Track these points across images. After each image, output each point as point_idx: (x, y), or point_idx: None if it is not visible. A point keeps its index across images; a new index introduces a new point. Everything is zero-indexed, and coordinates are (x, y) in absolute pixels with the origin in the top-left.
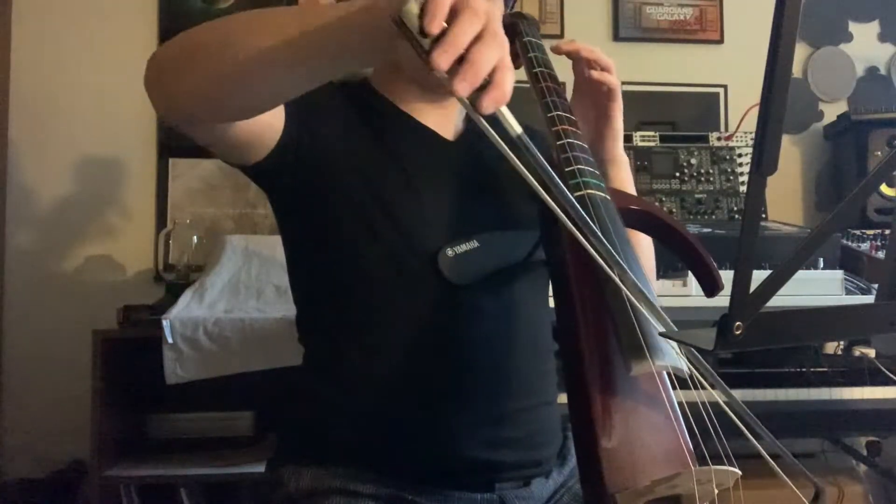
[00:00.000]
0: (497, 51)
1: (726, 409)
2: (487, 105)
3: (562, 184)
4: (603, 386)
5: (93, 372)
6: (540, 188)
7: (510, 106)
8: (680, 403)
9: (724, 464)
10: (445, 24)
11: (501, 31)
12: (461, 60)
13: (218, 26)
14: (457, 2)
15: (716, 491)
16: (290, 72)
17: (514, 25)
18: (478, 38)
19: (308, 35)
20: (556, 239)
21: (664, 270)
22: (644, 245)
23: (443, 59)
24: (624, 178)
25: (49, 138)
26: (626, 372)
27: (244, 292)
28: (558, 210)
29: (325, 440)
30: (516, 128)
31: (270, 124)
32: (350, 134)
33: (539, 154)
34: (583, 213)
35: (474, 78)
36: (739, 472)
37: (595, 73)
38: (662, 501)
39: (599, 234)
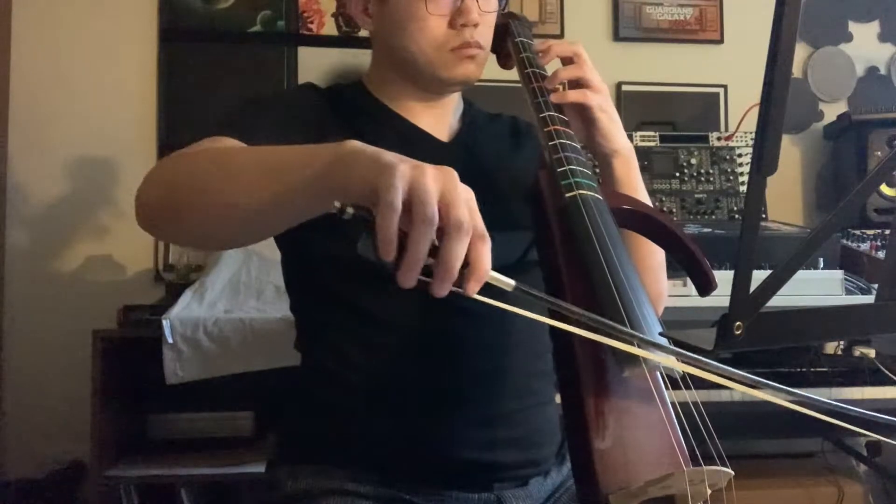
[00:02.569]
0: (462, 239)
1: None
2: (473, 288)
3: (579, 310)
4: (596, 387)
5: (93, 372)
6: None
7: (510, 106)
8: (673, 404)
9: (716, 464)
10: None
11: (461, 205)
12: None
13: (191, 178)
14: (409, 220)
15: (709, 491)
16: (272, 221)
17: (507, 26)
18: (443, 235)
19: (275, 187)
20: (549, 240)
21: None
22: (649, 247)
23: (409, 280)
24: (629, 169)
25: (48, 138)
26: (619, 373)
27: (244, 292)
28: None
29: (323, 441)
30: (509, 282)
31: None
32: (338, 137)
33: (540, 293)
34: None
35: (449, 277)
36: (732, 473)
37: (555, 97)
38: (656, 502)
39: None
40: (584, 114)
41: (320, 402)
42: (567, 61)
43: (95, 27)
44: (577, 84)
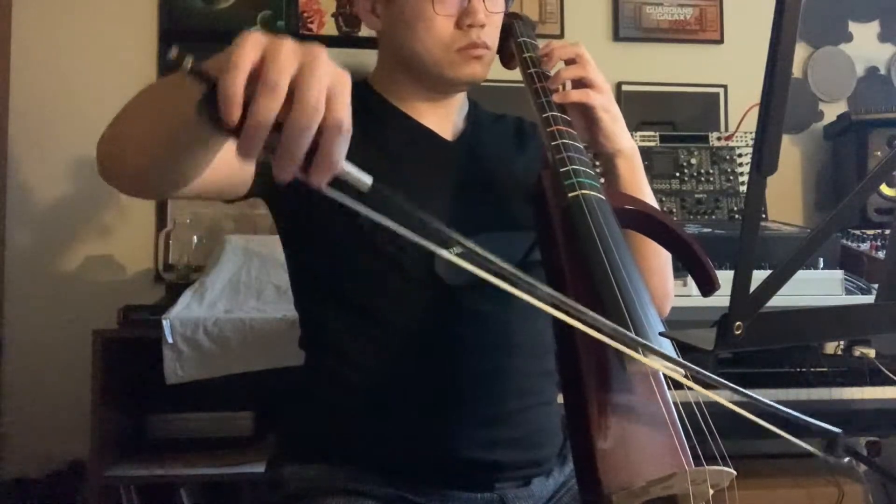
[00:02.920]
0: (306, 117)
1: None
2: (318, 179)
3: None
4: (598, 386)
5: (93, 372)
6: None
7: (511, 106)
8: (675, 404)
9: (719, 464)
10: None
11: (314, 84)
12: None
13: (114, 122)
14: (254, 83)
15: (711, 491)
16: (173, 157)
17: (510, 26)
18: (290, 114)
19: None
20: (551, 240)
21: None
22: (652, 247)
23: (248, 150)
24: (633, 169)
25: (49, 138)
26: (622, 371)
27: (244, 292)
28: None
29: (326, 440)
30: (366, 181)
31: (231, 170)
32: None
33: (396, 197)
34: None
35: (288, 156)
36: (734, 473)
37: (557, 97)
38: (658, 502)
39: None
40: (587, 114)
41: (323, 402)
42: (569, 62)
43: (95, 27)
44: (580, 84)
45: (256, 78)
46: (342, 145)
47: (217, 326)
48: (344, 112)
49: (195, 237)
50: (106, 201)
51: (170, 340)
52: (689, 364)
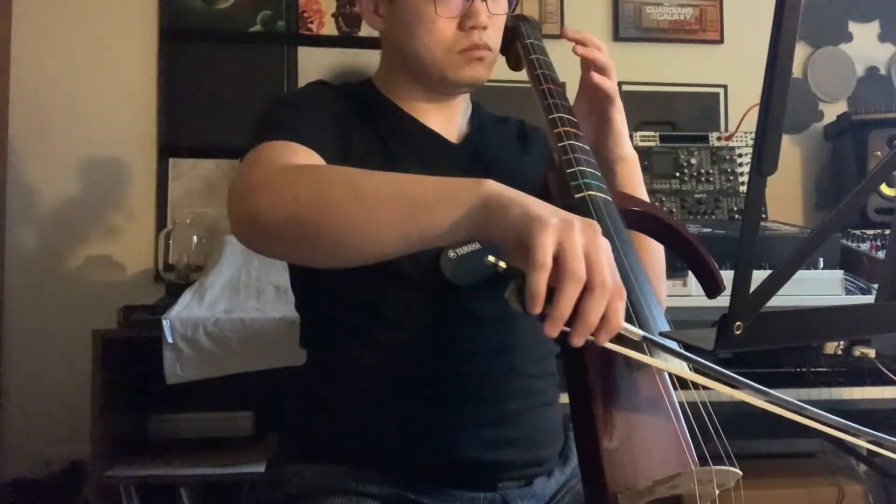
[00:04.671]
0: (605, 298)
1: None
2: (604, 340)
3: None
4: (604, 386)
5: (93, 372)
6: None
7: (517, 107)
8: (681, 403)
9: (725, 464)
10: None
11: (605, 264)
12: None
13: (321, 203)
14: (558, 273)
15: (717, 491)
16: (402, 251)
17: (517, 28)
18: (585, 291)
19: (416, 225)
20: None
21: None
22: (653, 246)
23: (555, 331)
24: (631, 175)
25: (49, 138)
26: (627, 371)
27: (244, 292)
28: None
29: (327, 440)
30: (638, 333)
31: None
32: (350, 136)
33: (669, 343)
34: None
35: (588, 331)
36: (740, 473)
37: (595, 77)
38: (663, 501)
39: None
40: (601, 114)
41: (325, 401)
42: (596, 68)
43: (95, 27)
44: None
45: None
46: (623, 310)
47: (217, 326)
48: (619, 279)
49: (195, 237)
50: (106, 201)
51: (170, 340)
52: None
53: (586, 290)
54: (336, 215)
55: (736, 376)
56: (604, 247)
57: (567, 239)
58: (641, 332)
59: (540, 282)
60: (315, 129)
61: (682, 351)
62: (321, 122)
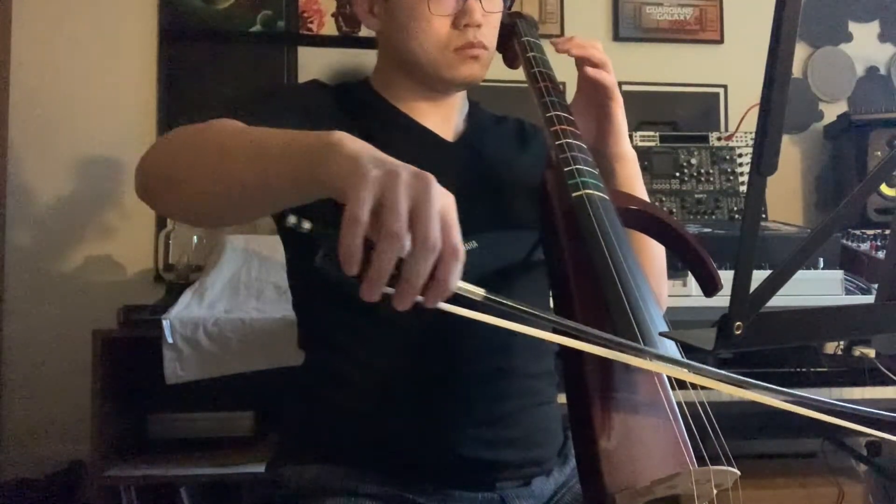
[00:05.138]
0: (428, 257)
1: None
2: (432, 303)
3: (551, 316)
4: (602, 386)
5: (93, 372)
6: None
7: (511, 107)
8: (679, 403)
9: (722, 464)
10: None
11: (431, 220)
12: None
13: (187, 152)
14: (374, 231)
15: (714, 491)
16: (259, 203)
17: (513, 25)
18: (410, 252)
19: (265, 173)
20: (555, 240)
21: None
22: (652, 246)
23: (372, 294)
24: (631, 173)
25: (49, 138)
26: (625, 371)
27: (244, 292)
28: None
29: (326, 440)
30: (478, 292)
31: None
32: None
33: (511, 301)
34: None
35: (410, 294)
36: (738, 473)
37: (589, 71)
38: (661, 501)
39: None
40: (601, 111)
41: (323, 401)
42: (592, 65)
43: (95, 27)
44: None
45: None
46: (458, 271)
47: (217, 326)
48: (457, 238)
49: (195, 237)
50: (106, 201)
51: (170, 340)
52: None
53: (412, 249)
54: (196, 160)
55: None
56: (435, 201)
57: (388, 191)
58: (482, 292)
59: (349, 238)
60: (275, 118)
61: (522, 307)
62: (288, 112)
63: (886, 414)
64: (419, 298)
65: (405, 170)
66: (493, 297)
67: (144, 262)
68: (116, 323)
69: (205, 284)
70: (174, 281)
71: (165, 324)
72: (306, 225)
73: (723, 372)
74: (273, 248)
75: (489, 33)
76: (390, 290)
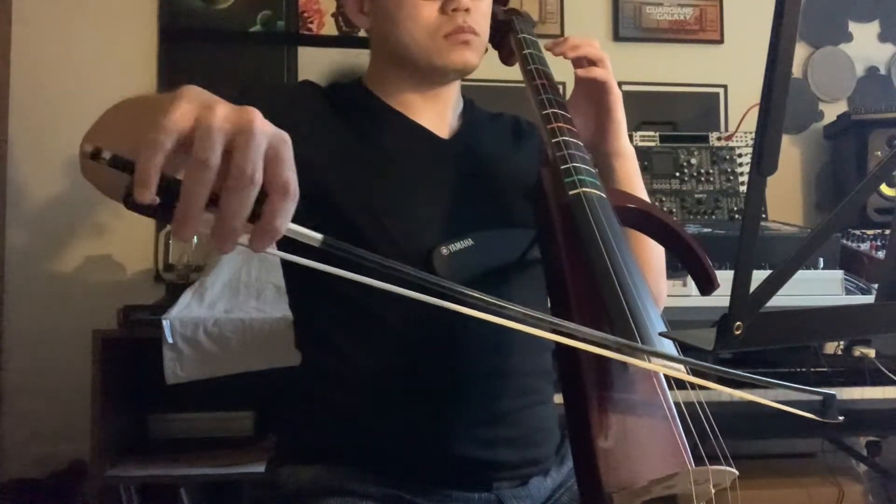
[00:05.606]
0: (242, 190)
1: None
2: (259, 247)
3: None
4: (599, 385)
5: (93, 372)
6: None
7: (503, 107)
8: (676, 403)
9: (721, 464)
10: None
11: (249, 150)
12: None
13: (98, 127)
14: (186, 162)
15: (713, 491)
16: None
17: (510, 23)
18: (225, 184)
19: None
20: (552, 238)
21: None
22: (651, 244)
23: (184, 232)
24: (630, 171)
25: (48, 138)
26: (622, 370)
27: (244, 292)
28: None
29: (324, 440)
30: (315, 237)
31: None
32: (335, 135)
33: (352, 248)
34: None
35: (227, 231)
36: (736, 473)
37: (580, 71)
38: (659, 501)
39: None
40: (600, 107)
41: (321, 401)
42: (589, 62)
43: (95, 27)
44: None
45: (186, 147)
46: (288, 211)
47: (217, 326)
48: (287, 174)
49: (195, 237)
50: (106, 201)
51: (170, 340)
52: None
53: (222, 180)
54: (102, 129)
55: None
56: (258, 133)
57: (202, 116)
58: (319, 237)
59: (144, 160)
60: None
61: (366, 254)
62: (272, 113)
63: None
64: (244, 241)
65: (224, 103)
66: (331, 242)
67: (144, 262)
68: (116, 323)
69: (205, 284)
70: (174, 281)
71: (165, 324)
72: (106, 155)
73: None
74: (273, 247)
75: (479, 19)
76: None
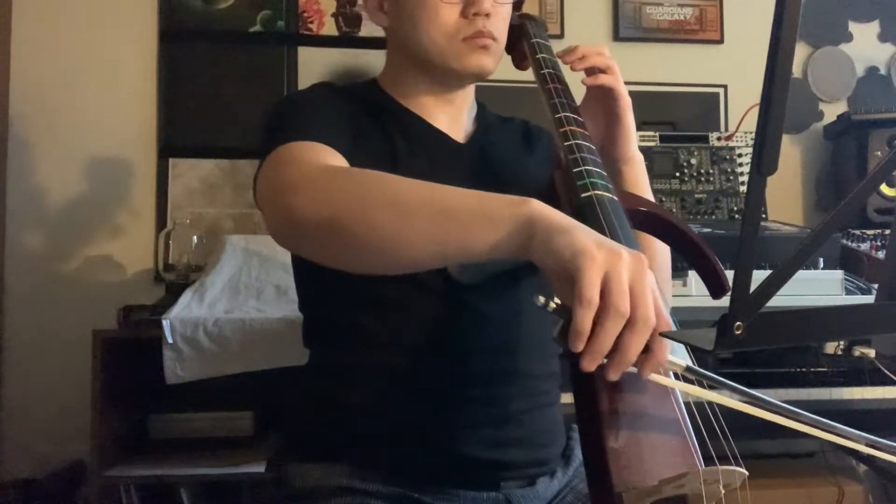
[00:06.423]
0: (644, 335)
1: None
2: (646, 373)
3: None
4: (609, 386)
5: (93, 372)
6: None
7: (513, 108)
8: (686, 403)
9: (731, 464)
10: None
11: (649, 300)
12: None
13: (359, 207)
14: (601, 309)
15: (723, 491)
16: (435, 264)
17: (522, 27)
18: (627, 326)
19: (454, 241)
20: None
21: None
22: (659, 247)
23: (592, 366)
24: (639, 176)
25: (49, 138)
26: (633, 371)
27: (244, 292)
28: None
29: (331, 439)
30: (681, 363)
31: None
32: (357, 136)
33: (712, 374)
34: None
35: (625, 367)
36: (746, 473)
37: (586, 80)
38: (668, 501)
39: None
40: (610, 114)
41: (328, 400)
42: (600, 71)
43: (95, 27)
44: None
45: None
46: (669, 345)
47: (217, 326)
48: (668, 315)
49: (195, 237)
50: (106, 201)
51: (170, 340)
52: (703, 371)
53: (628, 325)
54: (373, 220)
55: (765, 398)
56: (650, 280)
57: (614, 272)
58: (685, 364)
59: (586, 320)
60: (332, 130)
61: (730, 382)
62: (335, 122)
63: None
64: (632, 370)
65: (624, 250)
66: (693, 369)
67: (144, 262)
68: (116, 323)
69: (205, 284)
70: (174, 281)
71: (165, 324)
72: (553, 305)
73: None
74: (273, 247)
75: (498, 24)
76: (604, 361)
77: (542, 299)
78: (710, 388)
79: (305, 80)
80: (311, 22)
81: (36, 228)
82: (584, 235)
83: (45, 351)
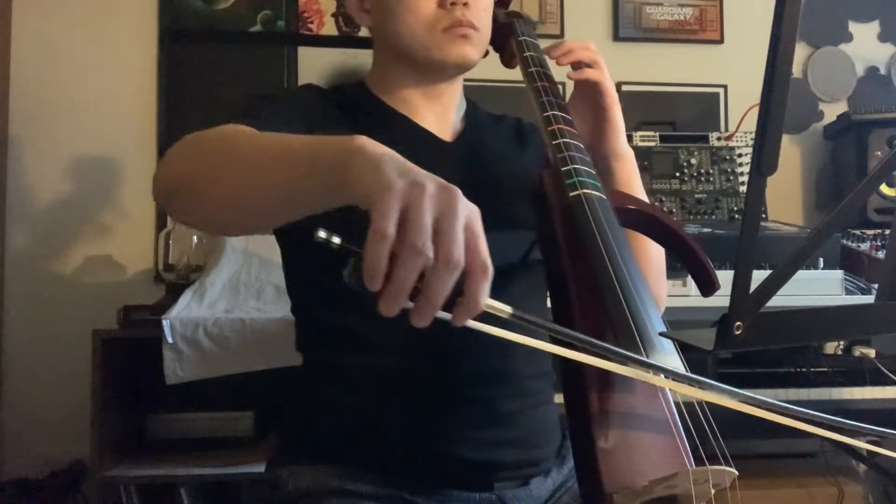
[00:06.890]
0: (450, 274)
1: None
2: (459, 320)
3: (574, 333)
4: (600, 386)
5: (93, 372)
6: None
7: (505, 108)
8: (677, 404)
9: (721, 464)
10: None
11: (455, 236)
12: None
13: (204, 163)
14: (398, 245)
15: (713, 491)
16: (280, 211)
17: (511, 25)
18: (433, 268)
19: (287, 184)
20: (553, 239)
21: None
22: (651, 245)
23: (390, 309)
24: (629, 172)
25: (49, 138)
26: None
27: (244, 292)
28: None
29: (324, 441)
30: (506, 310)
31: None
32: (329, 133)
33: (539, 319)
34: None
35: (430, 311)
36: (736, 473)
37: (571, 74)
38: (659, 501)
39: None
40: (597, 109)
41: (321, 402)
42: (586, 66)
43: (96, 27)
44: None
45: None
46: (487, 288)
47: (217, 326)
48: (486, 254)
49: (195, 237)
50: (106, 201)
51: (170, 340)
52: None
53: (432, 264)
54: (217, 176)
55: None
56: (461, 215)
57: (414, 204)
58: (510, 309)
59: (376, 254)
60: (277, 120)
61: (550, 324)
62: (291, 116)
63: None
64: (446, 315)
65: (430, 181)
66: (520, 315)
67: (144, 262)
68: (116, 323)
69: (205, 284)
70: (174, 281)
71: (165, 324)
72: (336, 240)
73: (729, 388)
74: (273, 248)
75: (479, 13)
76: (409, 305)
77: (322, 234)
78: (554, 340)
79: (305, 79)
80: (311, 22)
81: (36, 228)
82: (390, 166)
83: (45, 351)
